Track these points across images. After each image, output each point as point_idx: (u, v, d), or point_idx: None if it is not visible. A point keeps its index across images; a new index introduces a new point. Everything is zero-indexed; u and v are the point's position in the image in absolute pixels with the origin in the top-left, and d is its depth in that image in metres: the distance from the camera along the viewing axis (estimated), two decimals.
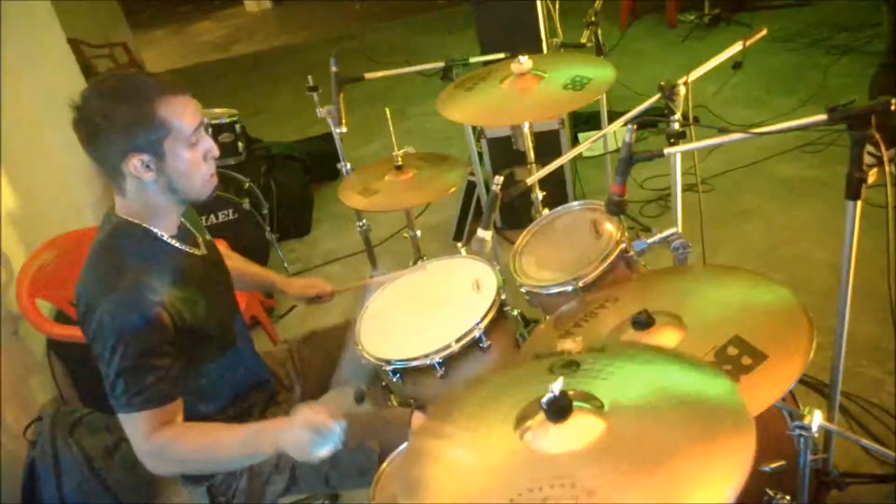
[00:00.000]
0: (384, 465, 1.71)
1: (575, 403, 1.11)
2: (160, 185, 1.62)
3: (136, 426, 1.56)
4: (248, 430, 1.59)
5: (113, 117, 1.54)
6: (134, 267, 1.60)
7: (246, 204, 3.69)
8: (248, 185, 3.79)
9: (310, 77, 2.61)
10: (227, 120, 3.87)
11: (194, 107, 1.64)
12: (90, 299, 1.58)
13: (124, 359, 1.53)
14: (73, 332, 2.63)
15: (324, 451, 1.46)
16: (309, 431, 1.46)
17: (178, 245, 1.72)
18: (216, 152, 1.70)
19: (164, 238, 1.69)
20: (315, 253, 4.18)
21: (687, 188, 3.20)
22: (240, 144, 3.94)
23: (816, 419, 1.33)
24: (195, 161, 1.64)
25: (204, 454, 1.62)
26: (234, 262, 2.11)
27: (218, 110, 3.95)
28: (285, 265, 3.96)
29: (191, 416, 1.77)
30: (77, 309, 1.64)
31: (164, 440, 1.56)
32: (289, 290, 2.19)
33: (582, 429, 1.09)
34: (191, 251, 1.76)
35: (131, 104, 1.54)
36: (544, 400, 1.10)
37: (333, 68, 2.49)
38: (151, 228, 1.67)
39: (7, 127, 3.12)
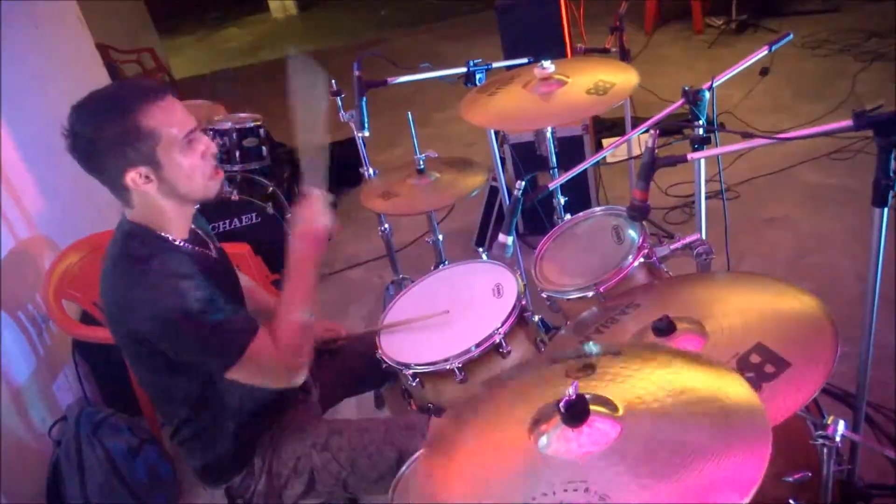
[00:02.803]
0: (402, 469, 1.70)
1: (591, 407, 1.10)
2: (164, 193, 1.64)
3: (257, 360, 1.62)
4: (293, 273, 1.72)
5: (100, 137, 1.54)
6: (154, 261, 1.62)
7: (270, 208, 3.70)
8: (271, 189, 3.81)
9: (333, 81, 2.62)
10: (252, 124, 3.89)
11: (181, 109, 1.62)
12: (123, 300, 1.61)
13: (200, 325, 1.57)
14: (99, 334, 2.67)
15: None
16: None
17: (190, 249, 1.74)
18: (214, 149, 1.69)
19: (177, 242, 1.71)
20: (337, 257, 4.19)
21: (712, 195, 3.19)
22: (264, 149, 3.95)
23: (840, 429, 1.31)
24: (193, 163, 1.64)
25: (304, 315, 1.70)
26: (246, 281, 2.12)
27: (243, 115, 3.98)
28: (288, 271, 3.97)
29: (213, 417, 1.79)
30: (108, 315, 1.67)
31: (285, 345, 1.66)
32: None
33: (597, 432, 1.08)
34: (201, 252, 1.78)
35: (114, 121, 1.54)
36: (561, 403, 1.09)
37: (356, 73, 2.50)
38: (163, 234, 1.69)
39: (35, 130, 3.17)
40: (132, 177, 1.58)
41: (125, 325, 1.63)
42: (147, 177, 1.59)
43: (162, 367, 1.68)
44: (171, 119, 1.58)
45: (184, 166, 1.62)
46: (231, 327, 1.61)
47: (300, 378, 1.71)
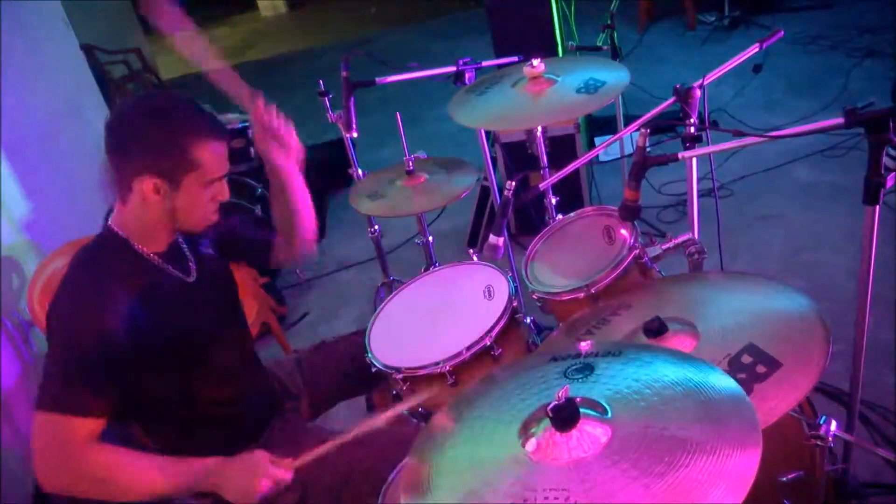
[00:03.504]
0: (391, 476, 1.68)
1: (582, 411, 1.08)
2: (162, 210, 1.63)
3: (56, 429, 1.50)
4: (184, 464, 1.60)
5: (148, 135, 1.55)
6: (104, 279, 1.60)
7: (258, 210, 3.68)
8: (260, 191, 3.78)
9: (320, 82, 2.60)
10: (241, 125, 3.87)
11: (226, 155, 1.67)
12: (58, 297, 1.59)
13: (67, 363, 1.52)
14: None
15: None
16: (258, 478, 1.57)
17: (161, 264, 1.71)
18: (225, 196, 1.71)
19: (148, 256, 1.69)
20: (328, 259, 4.17)
21: (706, 193, 3.17)
22: (251, 150, 3.93)
23: (832, 428, 1.29)
24: (203, 201, 1.66)
25: (124, 475, 1.55)
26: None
27: (230, 115, 3.95)
28: (297, 271, 3.95)
29: (192, 426, 1.76)
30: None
31: (84, 452, 1.50)
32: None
33: (587, 437, 1.06)
34: (175, 274, 1.75)
35: (171, 131, 1.56)
36: (550, 407, 1.08)
37: (343, 73, 2.47)
38: (136, 245, 1.67)
39: (20, 133, 3.13)
40: (147, 184, 1.58)
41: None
42: (158, 190, 1.59)
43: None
44: (214, 161, 1.62)
45: (195, 201, 1.64)
46: (71, 385, 1.51)
47: (46, 485, 1.52)
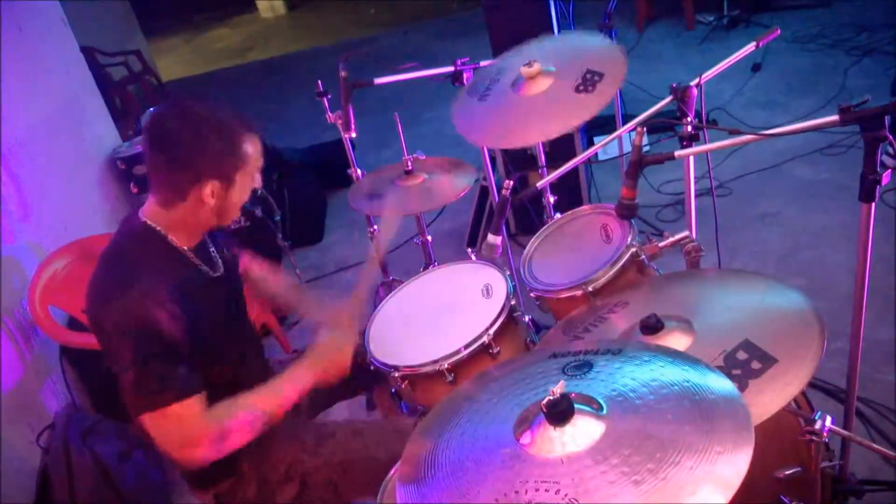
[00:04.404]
0: (391, 472, 1.69)
1: (577, 407, 1.09)
2: (213, 209, 1.67)
3: (173, 423, 1.54)
4: (287, 379, 1.72)
5: (205, 143, 1.59)
6: (145, 273, 1.60)
7: (258, 211, 3.68)
8: (260, 192, 3.78)
9: (319, 82, 2.60)
10: None
11: (260, 144, 1.73)
12: (103, 300, 1.59)
13: (146, 360, 1.53)
14: (86, 340, 2.64)
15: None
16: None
17: (193, 259, 1.74)
18: (259, 183, 1.76)
19: (182, 249, 1.72)
20: (327, 260, 4.18)
21: (704, 192, 3.18)
22: None
23: (827, 424, 1.30)
24: (247, 192, 1.72)
25: (249, 419, 1.64)
26: (259, 272, 2.16)
27: None
28: (297, 272, 3.96)
29: None
30: (88, 310, 1.64)
31: (207, 425, 1.57)
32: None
33: (581, 432, 1.07)
34: (205, 269, 1.77)
35: (225, 135, 1.62)
36: (544, 402, 1.09)
37: (342, 73, 2.48)
38: (171, 239, 1.69)
39: (20, 134, 3.14)
40: (206, 189, 1.62)
41: (97, 317, 1.61)
42: (214, 193, 1.63)
43: None
44: (258, 151, 1.70)
45: (243, 194, 1.70)
46: (165, 374, 1.55)
47: (199, 463, 1.61)
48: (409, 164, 2.58)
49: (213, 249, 1.84)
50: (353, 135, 2.58)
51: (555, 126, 2.10)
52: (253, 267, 2.14)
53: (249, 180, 1.71)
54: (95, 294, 1.61)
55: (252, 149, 1.68)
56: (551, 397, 1.09)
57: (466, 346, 1.85)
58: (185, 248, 1.72)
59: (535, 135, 2.25)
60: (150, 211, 1.69)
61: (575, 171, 3.32)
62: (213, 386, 1.74)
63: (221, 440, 1.59)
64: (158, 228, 1.68)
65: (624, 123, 2.63)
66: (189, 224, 1.70)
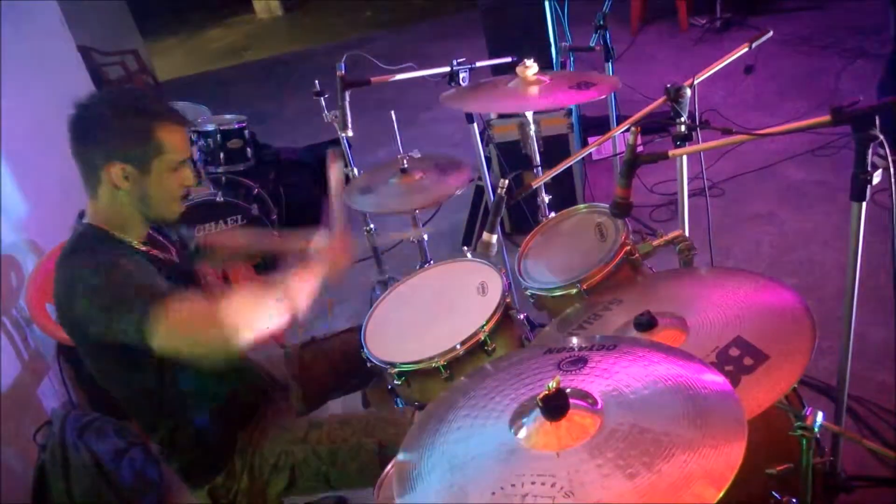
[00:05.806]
0: (388, 468, 1.70)
1: (572, 402, 1.11)
2: (132, 197, 1.68)
3: (180, 320, 1.51)
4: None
5: (112, 123, 1.62)
6: (101, 257, 1.62)
7: (255, 210, 3.69)
8: (256, 190, 3.80)
9: (316, 82, 2.62)
10: (237, 126, 3.89)
11: (186, 140, 1.75)
12: (68, 290, 1.60)
13: (139, 294, 1.52)
14: None
15: None
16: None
17: (146, 250, 1.76)
18: (192, 182, 1.77)
19: (133, 244, 1.74)
20: None
21: (697, 192, 3.20)
22: (248, 150, 3.95)
23: (818, 420, 1.32)
24: (171, 186, 1.71)
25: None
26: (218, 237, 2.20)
27: (227, 116, 3.97)
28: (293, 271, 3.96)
29: (178, 416, 1.79)
30: (59, 316, 1.66)
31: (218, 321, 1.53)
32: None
33: (576, 426, 1.09)
34: (159, 256, 1.80)
35: (135, 117, 1.64)
36: (540, 397, 1.10)
37: (339, 72, 2.49)
38: (118, 235, 1.72)
39: (16, 134, 3.15)
40: (115, 169, 1.63)
41: (69, 316, 1.62)
42: (126, 176, 1.65)
43: (114, 363, 1.69)
44: (178, 142, 1.70)
45: (163, 185, 1.70)
46: (156, 287, 1.56)
47: (236, 346, 1.53)
48: (405, 162, 2.59)
49: (165, 241, 1.88)
50: (350, 133, 2.60)
51: (547, 102, 2.16)
52: (209, 238, 2.17)
53: (173, 175, 1.70)
54: (62, 294, 1.62)
55: (172, 139, 1.67)
56: (547, 392, 1.10)
57: (462, 344, 1.86)
58: (136, 242, 1.74)
59: (524, 104, 2.36)
60: (90, 212, 1.73)
61: (569, 170, 3.34)
62: (181, 376, 1.75)
63: (244, 315, 1.56)
64: (103, 227, 1.71)
65: (618, 124, 2.65)
66: (123, 216, 1.71)
